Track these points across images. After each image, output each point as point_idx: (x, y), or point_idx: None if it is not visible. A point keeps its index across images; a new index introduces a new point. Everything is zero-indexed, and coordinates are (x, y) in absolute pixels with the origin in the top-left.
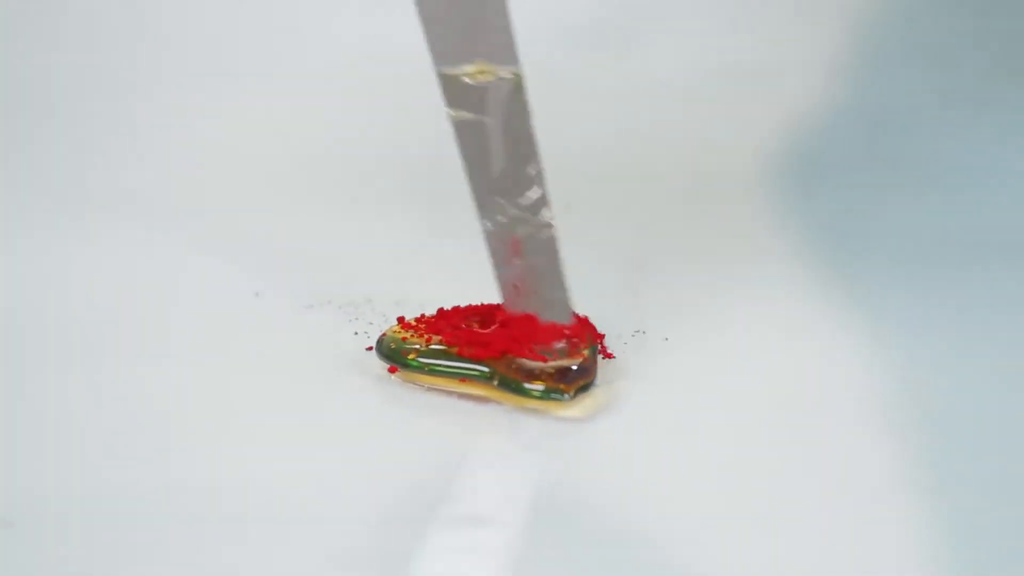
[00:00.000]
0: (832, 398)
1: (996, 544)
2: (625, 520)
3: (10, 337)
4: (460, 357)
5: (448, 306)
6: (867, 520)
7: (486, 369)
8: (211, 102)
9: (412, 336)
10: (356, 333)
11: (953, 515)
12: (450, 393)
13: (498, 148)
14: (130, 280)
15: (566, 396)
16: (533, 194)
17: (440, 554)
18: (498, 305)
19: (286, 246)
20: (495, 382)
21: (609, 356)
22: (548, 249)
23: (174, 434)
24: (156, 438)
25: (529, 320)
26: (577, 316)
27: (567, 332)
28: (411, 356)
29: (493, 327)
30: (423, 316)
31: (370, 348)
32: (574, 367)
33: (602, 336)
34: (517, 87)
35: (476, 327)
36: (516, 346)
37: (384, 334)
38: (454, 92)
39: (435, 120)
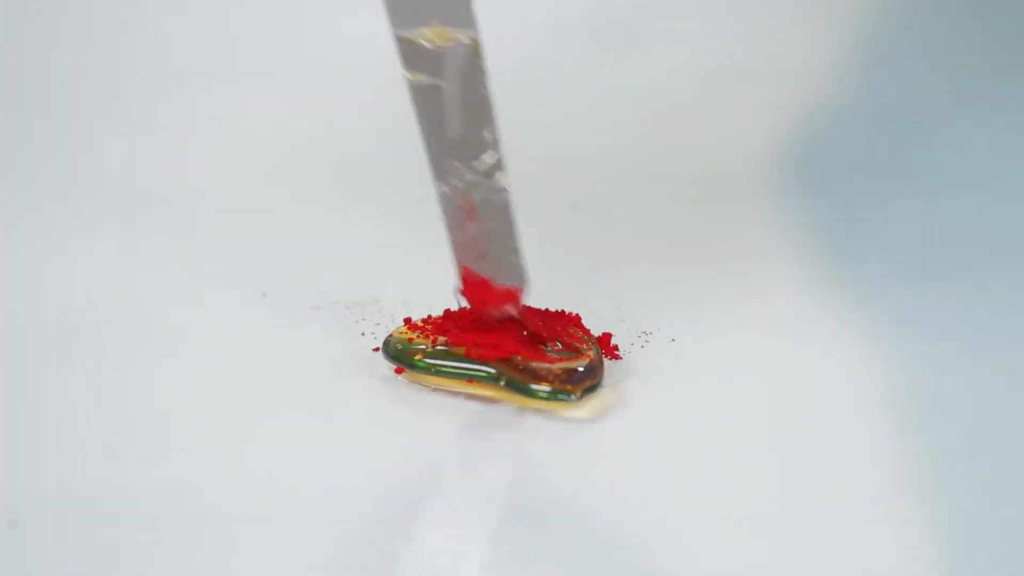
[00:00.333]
0: (837, 399)
1: (996, 544)
2: (630, 520)
3: (10, 337)
4: (467, 358)
5: (454, 307)
6: (871, 520)
7: (493, 370)
8: (218, 101)
9: (419, 337)
10: (363, 334)
11: (956, 515)
12: (457, 394)
13: (454, 112)
14: (135, 281)
15: (573, 397)
16: (488, 158)
17: (444, 554)
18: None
19: (293, 246)
20: (502, 383)
21: (616, 357)
22: (503, 213)
23: (180, 434)
24: (160, 438)
25: (483, 285)
26: (568, 315)
27: (519, 294)
28: (418, 357)
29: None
30: (430, 317)
31: (377, 349)
32: (581, 368)
33: (609, 335)
34: (475, 51)
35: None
36: (525, 348)
37: (391, 335)
38: (411, 55)
39: None
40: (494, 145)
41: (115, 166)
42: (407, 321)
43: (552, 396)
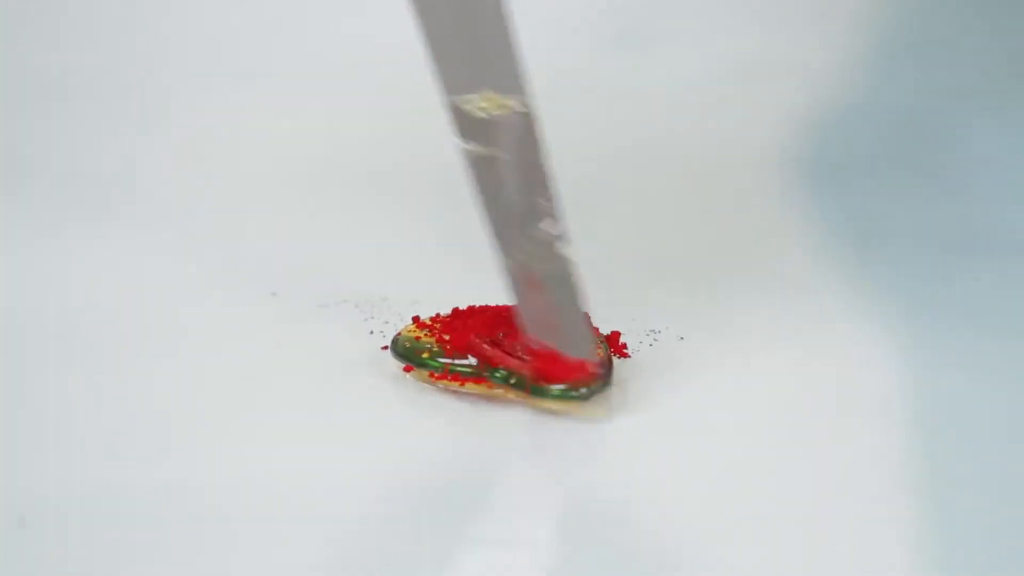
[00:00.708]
0: (845, 398)
1: (996, 544)
2: (638, 518)
3: (11, 337)
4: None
5: (463, 305)
6: (874, 520)
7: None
8: (226, 100)
9: (427, 335)
10: (372, 332)
11: (956, 516)
12: (466, 393)
13: (511, 182)
14: (141, 280)
15: (582, 396)
16: (548, 227)
17: (461, 553)
18: (509, 307)
19: (303, 245)
20: (512, 382)
21: (625, 356)
22: (567, 284)
23: (181, 434)
24: (161, 438)
25: (553, 358)
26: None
27: (591, 370)
28: (426, 355)
29: (520, 353)
30: (438, 315)
31: (385, 347)
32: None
33: (618, 334)
34: (530, 121)
35: (490, 344)
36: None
37: (399, 333)
38: (465, 124)
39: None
40: (553, 214)
41: (119, 166)
42: (415, 319)
43: (562, 395)
